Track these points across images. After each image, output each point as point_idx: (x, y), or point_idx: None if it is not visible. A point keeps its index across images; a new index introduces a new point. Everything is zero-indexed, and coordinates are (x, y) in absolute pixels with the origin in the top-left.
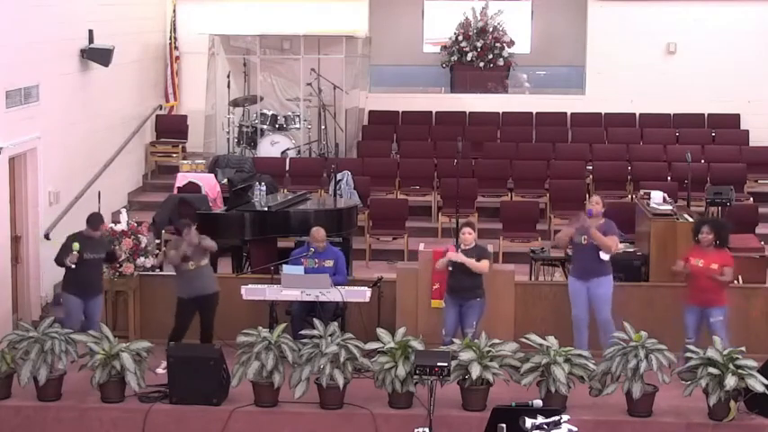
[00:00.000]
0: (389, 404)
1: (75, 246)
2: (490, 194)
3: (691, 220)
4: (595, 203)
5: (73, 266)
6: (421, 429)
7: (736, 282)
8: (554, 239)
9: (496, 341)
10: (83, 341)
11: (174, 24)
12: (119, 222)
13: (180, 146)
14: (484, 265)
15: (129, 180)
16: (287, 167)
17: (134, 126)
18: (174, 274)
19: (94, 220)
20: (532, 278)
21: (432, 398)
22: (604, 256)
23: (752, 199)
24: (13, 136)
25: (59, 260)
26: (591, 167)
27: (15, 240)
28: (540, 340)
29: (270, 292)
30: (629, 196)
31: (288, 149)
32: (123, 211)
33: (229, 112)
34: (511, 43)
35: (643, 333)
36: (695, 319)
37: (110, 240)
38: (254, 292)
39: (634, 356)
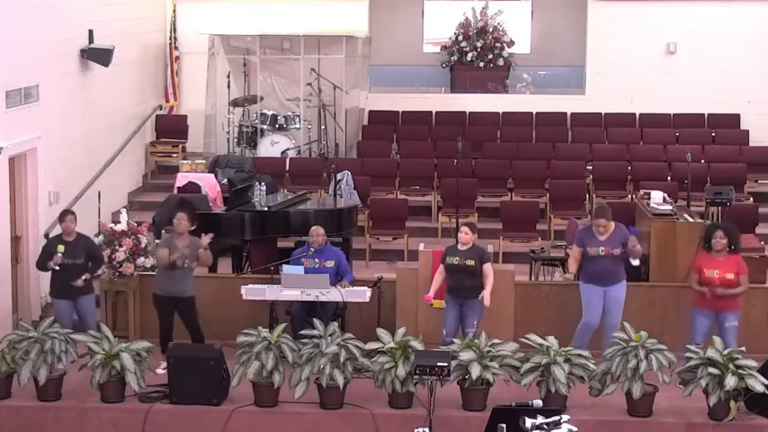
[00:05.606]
0: (389, 404)
1: (60, 248)
2: (490, 194)
3: (691, 220)
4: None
5: (57, 268)
6: (421, 429)
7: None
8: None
9: (496, 341)
10: (83, 341)
11: (174, 24)
12: (119, 222)
13: (180, 146)
14: (491, 275)
15: (129, 180)
16: (287, 167)
17: (134, 126)
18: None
19: (60, 214)
20: (532, 278)
21: (432, 398)
22: (635, 262)
23: (752, 199)
24: (13, 136)
25: (41, 263)
26: (591, 167)
27: (15, 240)
28: (540, 340)
29: (270, 292)
30: (629, 196)
31: (288, 149)
32: (123, 211)
33: (229, 112)
34: (511, 43)
35: (643, 333)
36: (708, 323)
37: (86, 244)
38: (254, 292)
39: (634, 356)
